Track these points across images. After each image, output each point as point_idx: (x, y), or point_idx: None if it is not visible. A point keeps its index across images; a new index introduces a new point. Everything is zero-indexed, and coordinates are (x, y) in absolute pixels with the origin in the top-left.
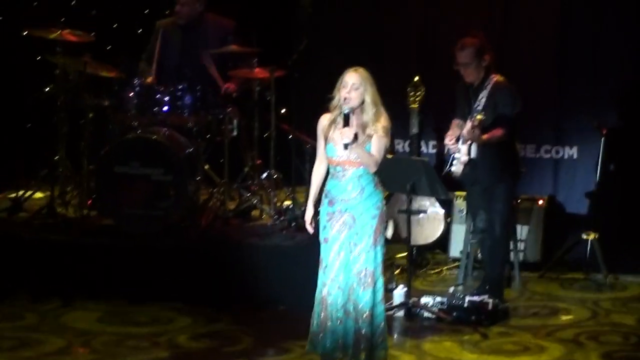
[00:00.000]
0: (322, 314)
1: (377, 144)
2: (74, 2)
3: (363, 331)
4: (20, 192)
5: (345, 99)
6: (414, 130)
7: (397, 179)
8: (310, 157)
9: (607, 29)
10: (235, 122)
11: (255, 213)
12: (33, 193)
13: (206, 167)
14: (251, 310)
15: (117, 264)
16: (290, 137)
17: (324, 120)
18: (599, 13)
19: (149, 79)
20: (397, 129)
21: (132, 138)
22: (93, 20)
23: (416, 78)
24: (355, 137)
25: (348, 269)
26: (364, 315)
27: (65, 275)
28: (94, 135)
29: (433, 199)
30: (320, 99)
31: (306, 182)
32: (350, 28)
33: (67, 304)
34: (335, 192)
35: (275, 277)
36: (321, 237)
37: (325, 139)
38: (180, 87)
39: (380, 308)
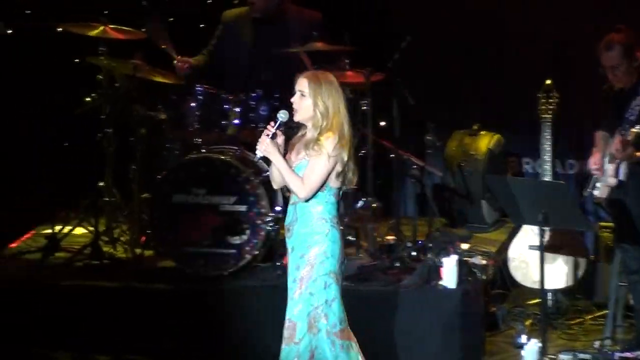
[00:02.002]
0: None
1: (309, 165)
2: None
3: None
4: (58, 228)
5: (293, 109)
6: (547, 146)
7: (526, 208)
8: (417, 182)
9: None
10: None
11: (349, 251)
12: (73, 228)
13: (287, 194)
14: None
15: (179, 314)
16: (392, 156)
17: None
18: None
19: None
20: (524, 146)
21: (195, 159)
22: (144, 12)
23: (548, 81)
24: (282, 150)
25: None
26: None
27: (114, 328)
28: (148, 156)
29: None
30: (429, 108)
31: (412, 212)
32: (464, 23)
33: None
34: (285, 220)
35: (377, 329)
36: None
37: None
38: (253, 95)
39: None
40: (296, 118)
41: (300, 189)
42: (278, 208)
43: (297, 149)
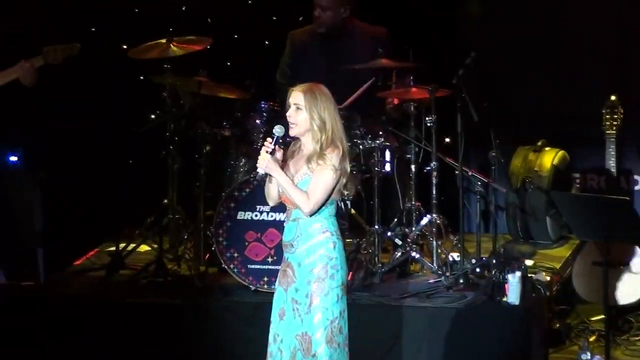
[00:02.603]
0: None
1: (313, 179)
2: (183, 8)
3: None
4: (122, 245)
5: (289, 124)
6: (611, 162)
7: (590, 224)
8: (482, 198)
9: None
10: (388, 154)
11: (414, 267)
12: (137, 246)
13: (352, 211)
14: None
15: (243, 329)
16: (456, 172)
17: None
18: None
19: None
20: (589, 161)
21: (261, 176)
22: (208, 30)
23: (613, 97)
24: (281, 165)
25: (290, 329)
26: None
27: (178, 345)
28: (212, 173)
29: (637, 248)
30: (494, 123)
31: (476, 229)
32: (527, 40)
33: None
34: (283, 236)
35: (442, 345)
36: None
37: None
38: None
39: None
40: (292, 132)
41: (306, 204)
42: (342, 225)
43: (295, 165)
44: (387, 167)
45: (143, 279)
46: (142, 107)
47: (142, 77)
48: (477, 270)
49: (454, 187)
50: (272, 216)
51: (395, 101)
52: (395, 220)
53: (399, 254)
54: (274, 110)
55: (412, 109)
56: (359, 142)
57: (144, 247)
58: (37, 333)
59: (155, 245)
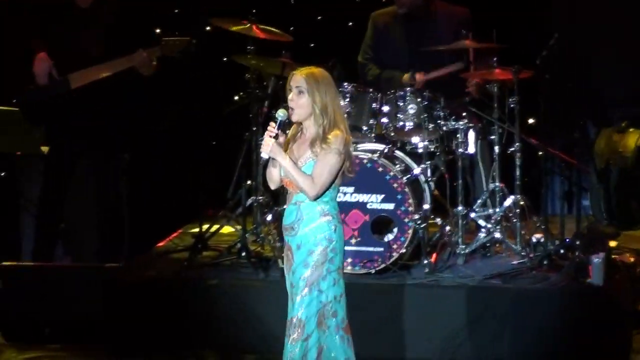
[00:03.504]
0: None
1: (318, 163)
2: None
3: None
4: (205, 227)
5: (290, 107)
6: None
7: None
8: (565, 179)
9: None
10: (471, 135)
11: (497, 249)
12: (220, 227)
13: (435, 192)
14: None
15: None
16: (540, 153)
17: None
18: None
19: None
20: None
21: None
22: (291, 11)
23: None
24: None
25: (288, 312)
26: None
27: (261, 326)
28: None
29: None
30: (578, 105)
31: (560, 210)
32: (611, 20)
33: None
34: (283, 219)
35: (526, 326)
36: None
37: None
38: (401, 93)
39: None
40: (294, 117)
41: (311, 188)
42: (426, 206)
43: (298, 149)
44: (471, 149)
45: (226, 261)
46: (225, 89)
47: (225, 59)
48: (561, 251)
49: (538, 168)
50: (355, 197)
51: (477, 86)
52: (479, 201)
53: (483, 235)
54: (357, 91)
55: (495, 90)
56: (442, 123)
57: (227, 229)
58: (120, 315)
59: (239, 227)
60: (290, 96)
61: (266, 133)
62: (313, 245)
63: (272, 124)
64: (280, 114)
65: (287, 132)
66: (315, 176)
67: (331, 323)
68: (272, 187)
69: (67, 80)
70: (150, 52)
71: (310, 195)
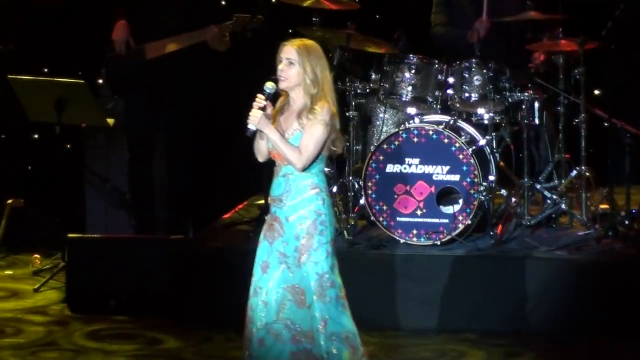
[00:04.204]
0: (244, 331)
1: (304, 135)
2: None
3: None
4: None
5: (279, 78)
6: None
7: None
8: (631, 150)
9: None
10: (536, 106)
11: (563, 220)
12: None
13: (501, 164)
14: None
15: (394, 284)
16: (605, 124)
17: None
18: None
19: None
20: None
21: (409, 129)
22: None
23: None
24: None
25: (277, 282)
26: (307, 335)
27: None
28: (361, 126)
29: None
30: None
31: (626, 181)
32: None
33: None
34: (270, 191)
35: (591, 298)
36: None
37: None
38: (466, 64)
39: (321, 337)
40: (282, 85)
41: (298, 159)
42: (491, 177)
43: (285, 121)
44: (536, 120)
45: None
46: None
47: (290, 31)
48: (626, 222)
49: (603, 139)
50: (421, 169)
51: (542, 57)
52: (544, 173)
53: (548, 206)
54: (423, 62)
55: (560, 61)
56: (507, 94)
57: None
58: (186, 287)
59: None
60: (280, 67)
61: (254, 105)
62: (302, 218)
63: (260, 95)
64: (269, 85)
65: (275, 104)
66: (301, 147)
67: (331, 294)
68: (260, 159)
69: (142, 50)
70: (222, 27)
71: (297, 166)
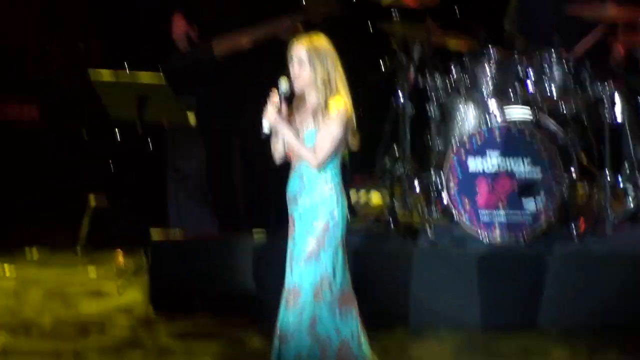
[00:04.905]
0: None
1: (320, 132)
2: None
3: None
4: (353, 195)
5: (292, 78)
6: None
7: None
8: None
9: None
10: (617, 101)
11: None
12: (369, 195)
13: (583, 158)
14: None
15: (476, 281)
16: None
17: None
18: None
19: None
20: None
21: (490, 124)
22: None
23: None
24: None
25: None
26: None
27: (411, 296)
28: (443, 121)
29: None
30: None
31: None
32: None
33: (416, 334)
34: (287, 189)
35: None
36: None
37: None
38: (546, 57)
39: (303, 341)
40: (296, 86)
41: (313, 157)
42: (573, 173)
43: (300, 118)
44: (618, 114)
45: (374, 229)
46: (373, 56)
47: (371, 26)
48: None
49: None
50: (502, 164)
51: (622, 51)
52: (627, 167)
53: (631, 201)
54: (503, 56)
55: None
56: (588, 88)
57: (375, 197)
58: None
59: (387, 195)
60: (292, 65)
61: (268, 104)
62: (315, 216)
63: (275, 94)
64: (283, 84)
65: (291, 103)
66: (317, 146)
67: (327, 295)
68: (277, 159)
69: (209, 46)
70: (293, 18)
71: (313, 164)
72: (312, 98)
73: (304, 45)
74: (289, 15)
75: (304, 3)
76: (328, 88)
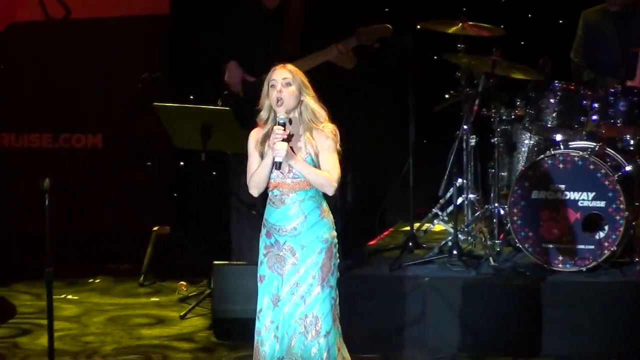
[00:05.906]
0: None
1: (326, 155)
2: None
3: None
4: (416, 225)
5: (278, 100)
6: None
7: None
8: None
9: None
10: None
11: None
12: (432, 225)
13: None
14: None
15: (535, 310)
16: None
17: (255, 134)
18: None
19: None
20: None
21: (554, 156)
22: (502, 10)
23: None
24: (293, 151)
25: (289, 314)
26: None
27: (473, 325)
28: (506, 152)
29: None
30: None
31: None
32: None
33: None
34: (273, 221)
35: None
36: (258, 275)
37: (261, 157)
38: (612, 90)
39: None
40: (282, 109)
41: (331, 180)
42: (637, 204)
43: (295, 146)
44: None
45: (438, 259)
46: (436, 87)
47: (436, 57)
48: None
49: None
50: (566, 195)
51: None
52: None
53: None
54: (569, 89)
55: None
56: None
57: (438, 227)
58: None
59: (450, 225)
60: (278, 87)
61: (274, 137)
62: (320, 241)
63: (278, 127)
64: (281, 115)
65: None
66: (330, 169)
67: (337, 317)
68: (256, 193)
69: (262, 81)
70: (344, 43)
71: (331, 188)
72: (302, 121)
73: (285, 68)
74: (340, 41)
75: (357, 29)
76: (315, 106)
